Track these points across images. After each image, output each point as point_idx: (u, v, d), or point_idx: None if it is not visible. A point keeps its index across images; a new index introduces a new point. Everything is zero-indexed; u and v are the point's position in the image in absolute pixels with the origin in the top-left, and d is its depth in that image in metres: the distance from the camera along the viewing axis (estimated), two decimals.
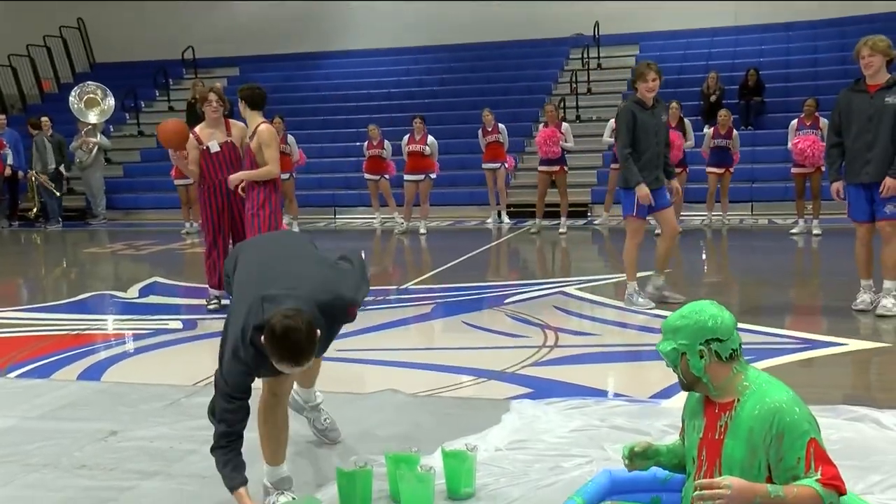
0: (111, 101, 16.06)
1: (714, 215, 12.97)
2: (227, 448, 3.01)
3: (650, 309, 6.89)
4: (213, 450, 3.03)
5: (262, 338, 2.83)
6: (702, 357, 2.42)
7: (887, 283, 6.58)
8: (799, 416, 2.32)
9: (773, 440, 2.30)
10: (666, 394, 4.68)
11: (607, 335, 6.34)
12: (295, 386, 3.97)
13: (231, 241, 7.36)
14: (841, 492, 2.31)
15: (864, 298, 6.71)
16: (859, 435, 3.95)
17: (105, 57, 22.16)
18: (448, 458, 3.47)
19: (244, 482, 3.00)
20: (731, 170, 12.57)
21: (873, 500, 3.16)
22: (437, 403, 4.72)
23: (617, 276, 9.04)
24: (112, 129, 18.66)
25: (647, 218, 7.14)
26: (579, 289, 8.13)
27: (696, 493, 2.24)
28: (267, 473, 3.33)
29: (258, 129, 6.95)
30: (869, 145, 6.29)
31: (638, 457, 2.58)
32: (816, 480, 2.27)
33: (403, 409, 4.61)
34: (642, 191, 6.72)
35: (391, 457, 3.47)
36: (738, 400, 2.41)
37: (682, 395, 2.89)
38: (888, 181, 6.22)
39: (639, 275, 7.31)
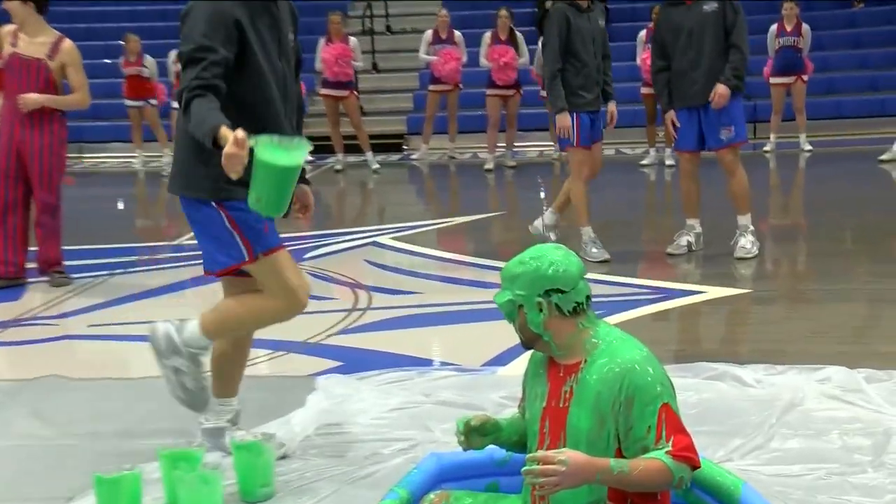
0: None
1: (551, 146, 13.35)
2: (205, 96, 3.15)
3: (602, 261, 6.89)
4: (188, 102, 3.15)
5: None
6: (540, 310, 2.45)
7: (741, 220, 6.99)
8: (652, 378, 2.39)
9: (622, 406, 2.37)
10: (502, 360, 4.82)
11: (431, 293, 6.45)
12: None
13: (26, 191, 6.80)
14: (693, 465, 2.39)
15: (682, 242, 7.10)
16: (719, 396, 4.21)
17: None
18: (240, 452, 3.43)
19: (226, 122, 3.09)
20: None
21: (733, 466, 3.38)
22: None
23: (441, 221, 9.20)
24: None
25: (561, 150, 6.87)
26: (395, 238, 8.21)
27: (526, 468, 2.28)
28: (215, 412, 3.69)
29: (63, 45, 6.66)
30: (693, 63, 6.58)
31: (475, 432, 2.59)
32: (666, 452, 2.34)
33: None
34: (563, 121, 6.55)
35: (166, 455, 3.39)
36: (585, 361, 2.46)
37: (522, 361, 2.97)
38: (719, 88, 6.49)
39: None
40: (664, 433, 2.37)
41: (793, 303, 6.08)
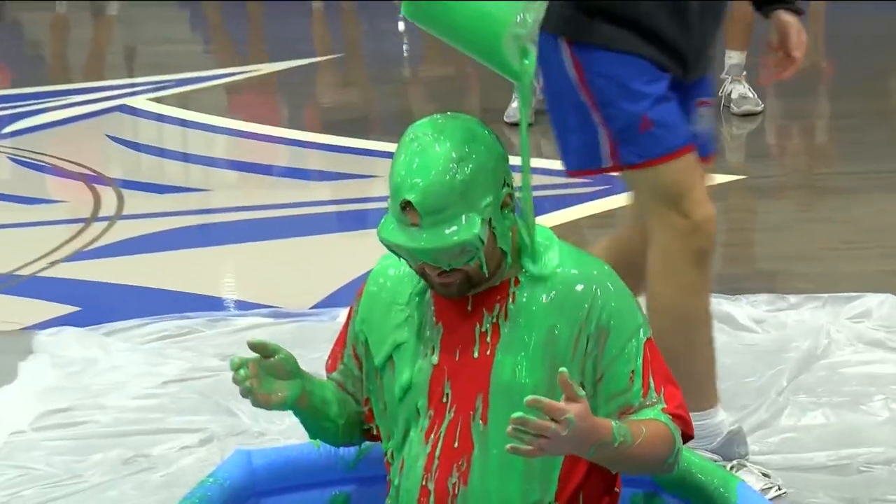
0: None
1: None
2: None
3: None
4: None
5: None
6: (504, 208, 2.49)
7: (735, 57, 7.27)
8: (629, 300, 2.52)
9: (590, 344, 2.47)
10: (344, 297, 4.77)
11: (221, 190, 6.53)
12: None
13: None
14: (688, 431, 2.54)
15: None
16: None
17: None
18: None
19: None
20: None
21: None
22: None
23: (234, 70, 9.11)
24: None
25: None
26: (157, 99, 8.23)
27: (517, 417, 2.28)
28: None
29: None
30: None
31: (266, 372, 2.54)
32: (663, 410, 2.47)
33: None
34: None
35: None
36: (518, 281, 2.53)
37: None
38: None
39: None
40: (652, 382, 2.47)
41: (810, 195, 6.23)
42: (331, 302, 4.91)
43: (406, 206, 2.42)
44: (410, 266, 2.53)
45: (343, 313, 4.65)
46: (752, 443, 3.71)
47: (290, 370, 2.56)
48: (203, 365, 4.33)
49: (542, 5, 2.80)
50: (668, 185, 3.36)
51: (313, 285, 5.04)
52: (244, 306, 4.97)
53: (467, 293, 2.53)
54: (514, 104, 7.21)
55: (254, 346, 2.53)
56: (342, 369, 2.73)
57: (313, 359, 4.21)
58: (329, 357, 2.76)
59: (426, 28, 2.99)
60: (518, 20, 2.79)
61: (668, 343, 3.22)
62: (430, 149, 2.46)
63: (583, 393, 2.30)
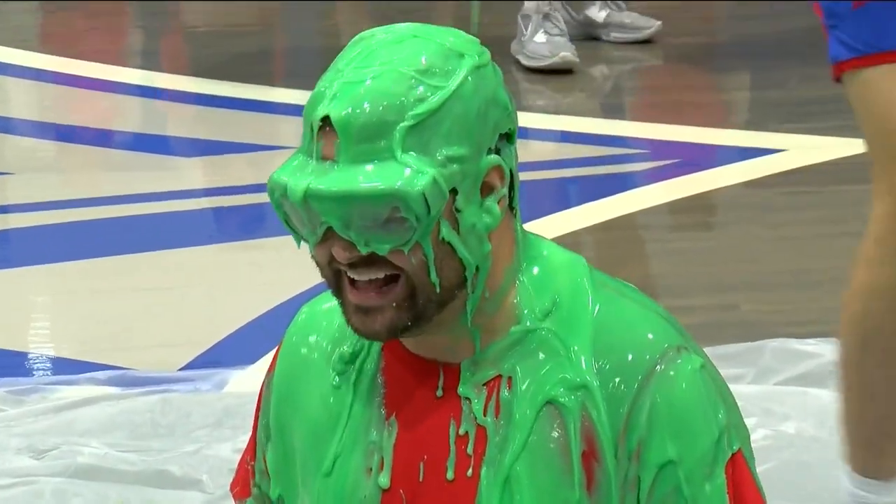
0: None
1: None
2: None
3: (551, 68, 7.36)
4: None
5: None
6: (492, 192, 2.39)
7: None
8: (705, 386, 2.45)
9: (632, 465, 2.42)
10: (228, 354, 4.92)
11: (24, 173, 6.53)
12: None
13: None
14: None
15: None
16: (823, 428, 4.30)
17: None
18: None
19: None
20: None
21: None
22: None
23: None
24: None
25: None
26: None
27: None
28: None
29: None
30: None
31: None
32: None
33: None
34: None
35: None
36: (516, 342, 2.48)
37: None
38: None
39: None
40: None
41: None
42: (212, 359, 4.94)
43: (323, 125, 2.28)
44: (315, 260, 2.32)
45: (234, 378, 4.65)
46: None
47: None
48: (5, 466, 4.29)
49: None
50: (883, 107, 3.45)
51: (184, 332, 5.07)
52: (71, 367, 4.96)
53: (410, 331, 2.37)
54: (539, 37, 7.48)
55: None
56: (257, 494, 2.67)
57: (187, 453, 4.19)
58: (236, 475, 2.70)
59: None
60: None
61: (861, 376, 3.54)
62: (383, 50, 2.37)
63: None
